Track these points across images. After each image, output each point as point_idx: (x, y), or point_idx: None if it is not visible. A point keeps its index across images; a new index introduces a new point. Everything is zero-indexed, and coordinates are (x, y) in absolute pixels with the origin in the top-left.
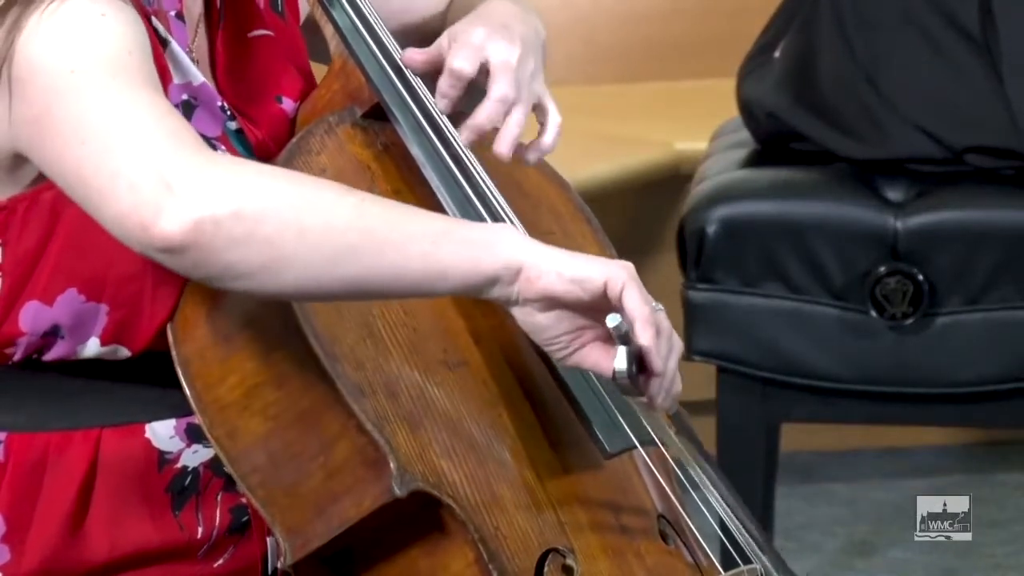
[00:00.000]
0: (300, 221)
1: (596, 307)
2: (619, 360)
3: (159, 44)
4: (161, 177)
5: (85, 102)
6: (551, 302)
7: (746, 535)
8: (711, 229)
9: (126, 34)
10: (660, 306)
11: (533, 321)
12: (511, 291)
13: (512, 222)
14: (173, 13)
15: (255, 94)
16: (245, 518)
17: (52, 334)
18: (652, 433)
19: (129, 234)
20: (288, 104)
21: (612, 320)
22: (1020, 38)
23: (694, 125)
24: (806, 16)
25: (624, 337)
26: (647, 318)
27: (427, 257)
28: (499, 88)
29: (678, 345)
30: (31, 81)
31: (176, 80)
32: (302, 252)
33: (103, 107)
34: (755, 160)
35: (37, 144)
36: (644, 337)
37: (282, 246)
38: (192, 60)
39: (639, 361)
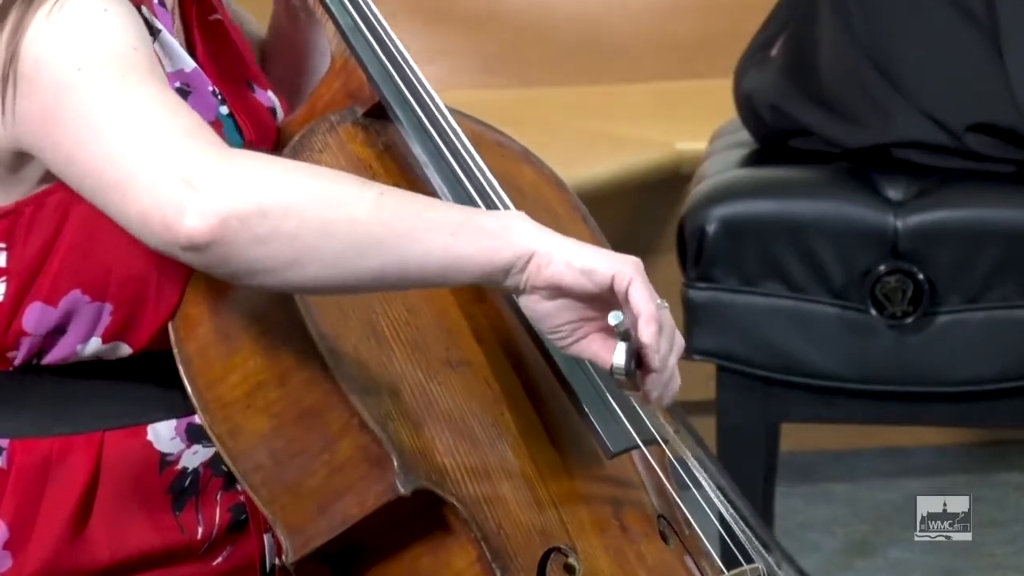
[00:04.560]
0: (323, 216)
1: (602, 299)
2: (618, 355)
3: (150, 35)
4: (182, 175)
5: (95, 100)
6: (558, 291)
7: (749, 533)
8: (711, 228)
9: (129, 28)
10: (665, 303)
11: (538, 308)
12: (521, 278)
13: None
14: (156, 0)
15: (230, 78)
16: (244, 516)
17: (55, 332)
18: (654, 431)
19: (152, 233)
20: (261, 94)
21: (614, 318)
22: (1020, 16)
23: (694, 125)
24: (804, 11)
25: (625, 334)
26: (651, 315)
27: (447, 248)
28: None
29: (679, 343)
30: (37, 79)
31: (168, 69)
32: (326, 247)
33: (114, 105)
34: (755, 159)
35: (47, 144)
36: (645, 334)
37: (306, 241)
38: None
39: (638, 357)
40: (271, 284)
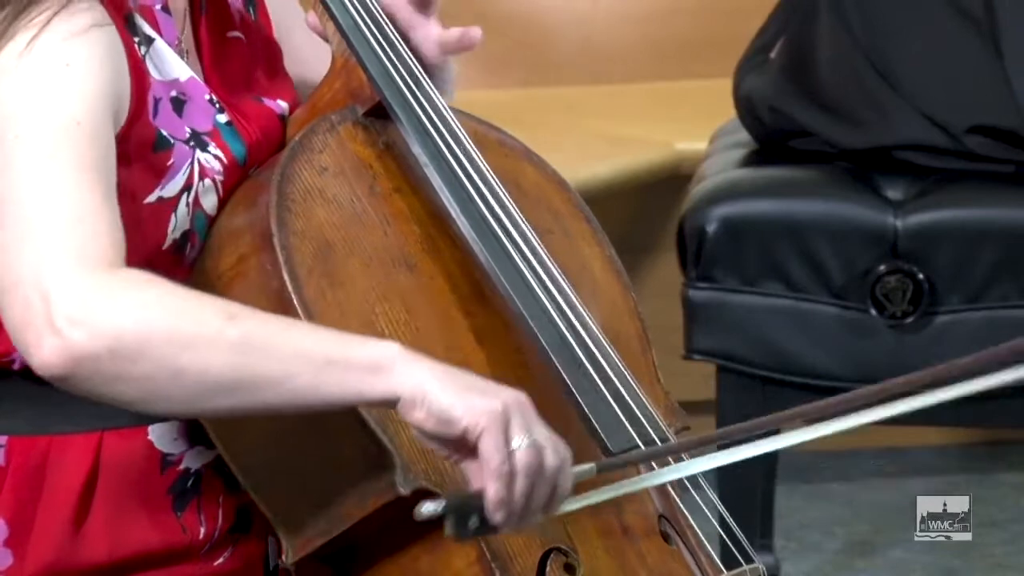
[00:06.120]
0: (178, 364)
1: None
2: (447, 527)
3: (137, 48)
4: (48, 304)
5: (16, 180)
6: (422, 432)
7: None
8: (711, 228)
9: (88, 88)
10: (526, 441)
11: (418, 435)
12: (395, 412)
13: (515, 221)
14: (159, 6)
15: (236, 88)
16: (246, 517)
17: None
18: (654, 433)
19: (18, 348)
20: (270, 102)
21: (421, 511)
22: (1019, 17)
23: (694, 125)
24: (803, 13)
25: (443, 510)
26: (493, 471)
27: (310, 388)
28: None
29: (548, 473)
30: None
31: (159, 79)
32: (177, 390)
33: (29, 193)
34: (755, 159)
35: None
36: (488, 490)
37: (158, 383)
38: (182, 52)
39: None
40: (130, 409)
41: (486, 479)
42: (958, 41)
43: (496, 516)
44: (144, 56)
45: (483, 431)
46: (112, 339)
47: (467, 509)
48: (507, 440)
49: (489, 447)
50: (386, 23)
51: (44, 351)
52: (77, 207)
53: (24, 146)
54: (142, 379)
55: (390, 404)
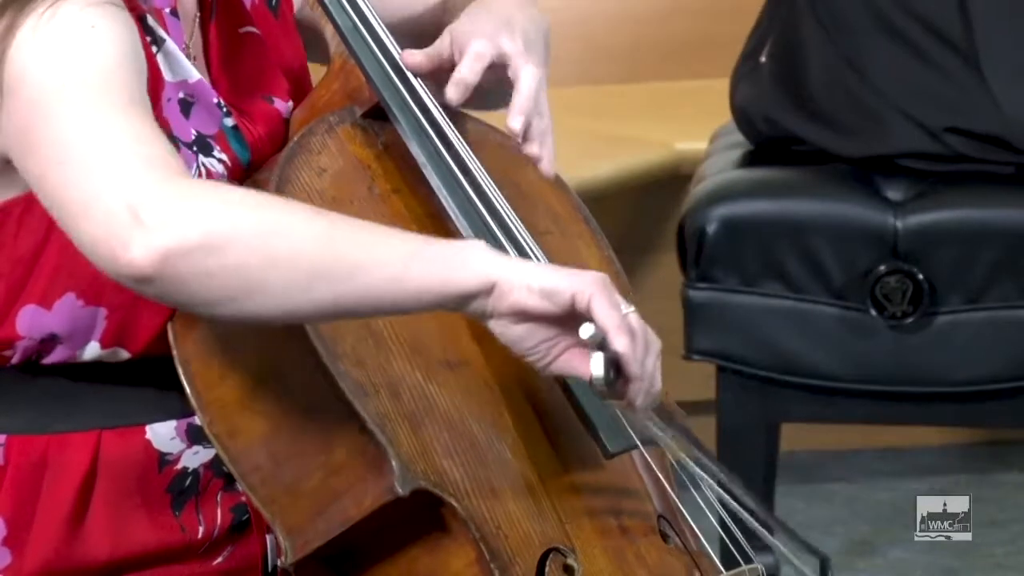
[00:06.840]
0: (269, 250)
1: (570, 316)
2: (595, 366)
3: (150, 46)
4: (131, 207)
5: (66, 122)
6: (524, 316)
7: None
8: (711, 228)
9: (115, 47)
10: (631, 308)
11: (508, 333)
12: (485, 305)
13: (512, 222)
14: (168, 9)
15: (248, 90)
16: (246, 516)
17: (51, 340)
18: (653, 432)
19: (101, 261)
20: (279, 104)
21: (585, 331)
22: (996, 31)
23: (694, 125)
24: (786, 18)
25: (600, 344)
26: (618, 325)
27: (400, 278)
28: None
29: (655, 345)
30: (18, 94)
31: (170, 79)
32: (272, 280)
33: (83, 129)
34: (755, 159)
35: (21, 157)
36: (618, 344)
37: (251, 275)
38: (189, 56)
39: (617, 367)
40: (223, 315)
41: (613, 336)
42: (934, 62)
43: (632, 368)
44: (156, 55)
45: (592, 295)
46: (203, 232)
47: (608, 355)
48: (616, 303)
49: (604, 306)
50: (381, 26)
51: (133, 251)
52: (133, 134)
53: (66, 95)
54: (234, 270)
55: (484, 291)
